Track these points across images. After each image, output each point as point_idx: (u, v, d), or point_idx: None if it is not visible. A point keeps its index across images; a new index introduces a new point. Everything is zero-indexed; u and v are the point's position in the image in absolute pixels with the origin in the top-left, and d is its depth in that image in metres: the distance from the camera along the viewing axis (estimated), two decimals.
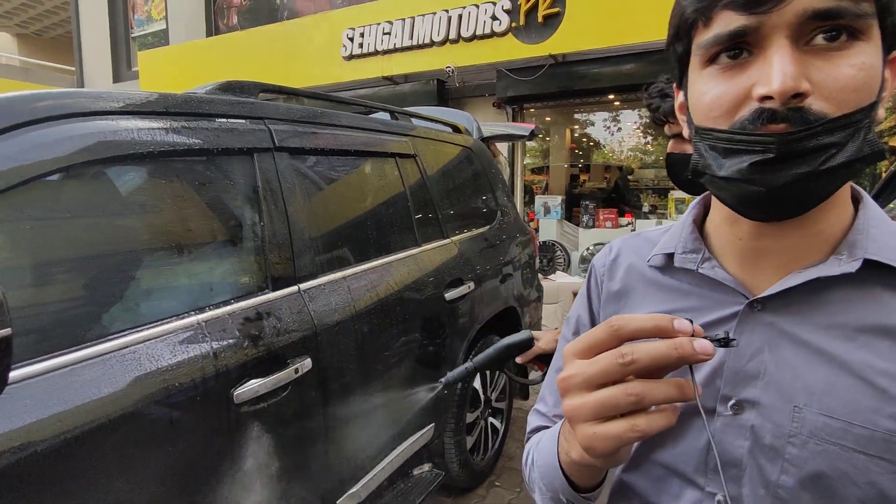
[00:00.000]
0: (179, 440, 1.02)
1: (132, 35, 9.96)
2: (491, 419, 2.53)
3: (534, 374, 1.47)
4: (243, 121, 1.39)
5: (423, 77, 6.58)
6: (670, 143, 1.22)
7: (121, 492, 0.92)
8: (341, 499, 1.49)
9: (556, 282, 4.89)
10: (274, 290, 1.33)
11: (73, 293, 1.05)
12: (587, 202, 6.71)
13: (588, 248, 6.31)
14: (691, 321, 0.39)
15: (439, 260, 2.08)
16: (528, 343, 1.23)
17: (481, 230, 2.55)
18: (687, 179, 0.88)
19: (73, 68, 10.49)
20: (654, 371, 0.39)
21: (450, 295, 2.01)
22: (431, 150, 2.33)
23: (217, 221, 1.30)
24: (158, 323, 1.07)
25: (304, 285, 1.41)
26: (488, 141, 3.46)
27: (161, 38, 9.43)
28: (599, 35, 5.34)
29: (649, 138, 10.10)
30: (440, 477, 2.01)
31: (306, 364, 1.30)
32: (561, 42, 5.53)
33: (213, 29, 8.90)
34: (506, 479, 2.50)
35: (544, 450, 0.58)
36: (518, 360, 1.24)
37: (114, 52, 9.95)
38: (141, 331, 1.03)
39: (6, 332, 0.65)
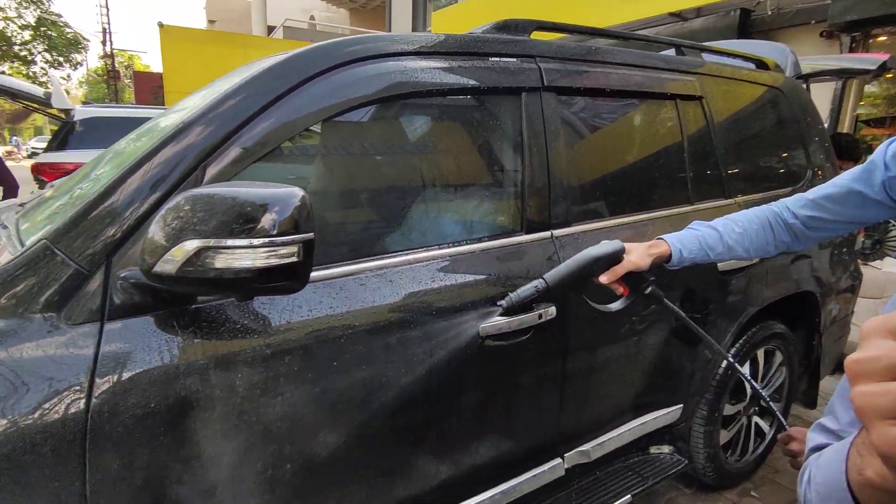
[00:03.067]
0: (430, 356, 1.12)
1: None
2: (756, 419, 2.12)
3: (614, 304, 1.15)
4: (514, 59, 1.37)
5: (720, 8, 5.57)
6: None
7: (376, 383, 1.07)
8: (570, 452, 1.46)
9: (883, 270, 3.71)
10: (527, 232, 1.33)
11: (365, 216, 1.23)
12: None
13: None
14: None
15: None
16: (618, 256, 1.04)
17: (780, 191, 2.05)
18: None
19: (385, 32, 12.56)
20: None
21: (724, 265, 1.70)
22: (723, 91, 1.94)
23: (482, 160, 1.35)
24: (425, 249, 1.17)
25: (557, 232, 1.37)
26: (807, 79, 2.72)
27: None
28: None
29: None
30: (681, 464, 1.80)
31: (551, 311, 1.27)
32: None
33: None
34: (766, 491, 2.10)
35: (827, 466, 0.44)
36: (602, 278, 1.05)
37: (414, 15, 11.42)
38: (411, 254, 1.15)
39: (310, 235, 0.79)
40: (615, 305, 1.14)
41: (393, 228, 1.24)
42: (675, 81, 1.76)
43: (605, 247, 1.04)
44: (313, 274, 0.92)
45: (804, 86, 2.45)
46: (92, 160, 1.51)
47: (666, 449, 1.84)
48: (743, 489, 2.11)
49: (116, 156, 1.31)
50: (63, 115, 5.10)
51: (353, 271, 1.07)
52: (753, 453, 2.13)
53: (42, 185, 4.51)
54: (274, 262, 0.77)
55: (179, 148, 0.94)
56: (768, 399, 1.04)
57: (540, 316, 1.25)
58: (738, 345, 1.86)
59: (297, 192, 0.79)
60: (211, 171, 0.95)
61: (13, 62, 21.78)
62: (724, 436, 1.96)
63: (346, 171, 1.23)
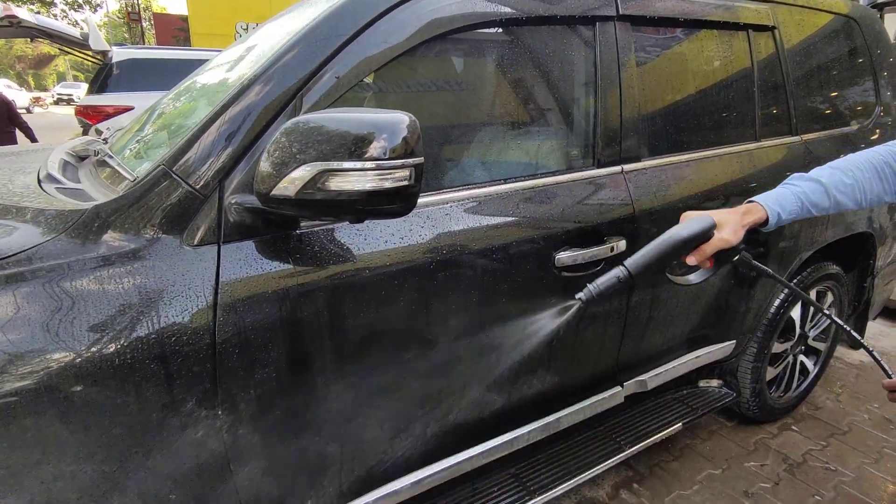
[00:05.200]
0: (511, 284, 1.17)
1: None
2: (802, 357, 2.15)
3: (693, 276, 1.05)
4: None
5: None
6: None
7: (460, 307, 1.13)
8: (629, 381, 1.53)
9: None
10: (598, 167, 1.33)
11: (446, 150, 1.25)
12: None
13: None
14: None
15: (780, 161, 1.73)
16: (708, 234, 0.91)
17: (846, 129, 1.99)
18: None
19: None
20: None
21: None
22: (796, 20, 1.84)
23: (557, 93, 1.33)
24: (502, 182, 1.20)
25: (627, 167, 1.37)
26: (882, 7, 2.55)
27: None
28: None
29: None
30: (729, 397, 1.86)
31: (621, 245, 1.30)
32: None
33: None
34: (805, 426, 2.16)
35: None
36: (690, 259, 0.93)
37: None
38: (489, 186, 1.17)
39: (420, 160, 0.82)
40: (694, 278, 1.04)
41: (472, 161, 1.26)
42: (748, 10, 1.68)
43: (693, 226, 0.91)
44: None
45: (878, 14, 2.30)
46: (171, 94, 1.54)
47: (715, 383, 1.90)
48: (783, 423, 2.18)
49: (202, 89, 1.33)
50: (100, 58, 5.10)
51: (438, 201, 1.10)
52: (797, 390, 2.18)
53: (87, 128, 4.59)
54: (387, 185, 0.80)
55: (277, 77, 0.96)
56: (871, 349, 0.94)
57: (612, 249, 1.28)
58: (793, 283, 1.87)
59: (406, 117, 0.81)
60: (307, 100, 0.97)
61: (33, 3, 21.59)
62: (770, 372, 2.00)
63: (427, 105, 1.23)
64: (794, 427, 2.17)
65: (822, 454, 2.01)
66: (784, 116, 1.79)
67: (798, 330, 2.04)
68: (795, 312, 1.96)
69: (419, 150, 0.81)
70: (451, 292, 1.09)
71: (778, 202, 0.95)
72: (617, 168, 1.35)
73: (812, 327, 2.11)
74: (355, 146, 0.79)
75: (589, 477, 1.47)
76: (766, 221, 0.95)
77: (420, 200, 1.07)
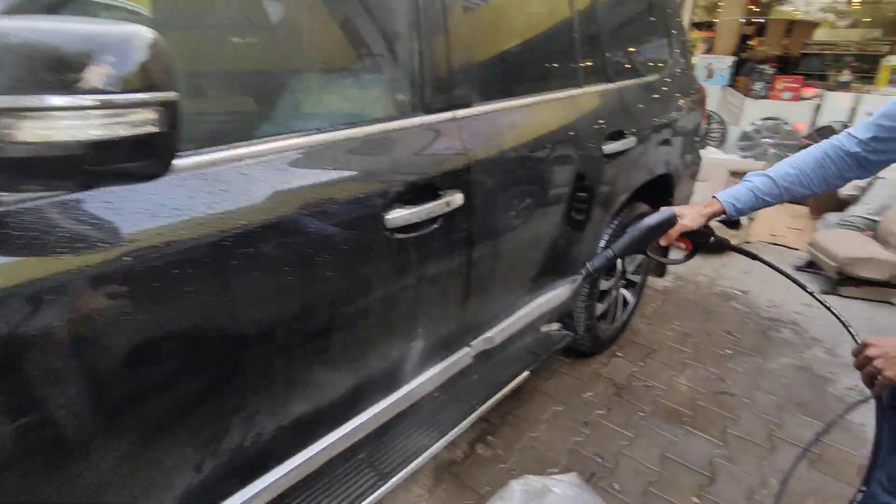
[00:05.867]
0: (332, 255, 0.98)
1: None
2: (624, 291, 2.37)
3: (675, 254, 1.31)
4: None
5: None
6: None
7: (276, 286, 0.92)
8: (476, 340, 1.47)
9: (708, 157, 4.26)
10: (427, 113, 1.18)
11: (238, 93, 0.98)
12: (762, 66, 5.55)
13: (753, 124, 5.36)
14: None
15: (600, 107, 1.78)
16: (671, 221, 1.15)
17: (649, 78, 2.14)
18: None
19: None
20: None
21: (609, 148, 1.74)
22: None
23: (378, 33, 1.14)
24: (312, 133, 0.98)
25: (458, 112, 1.25)
26: None
27: None
28: None
29: None
30: (567, 338, 1.96)
31: (458, 199, 1.19)
32: None
33: None
34: (628, 351, 2.42)
35: None
36: (662, 241, 1.17)
37: None
38: (296, 138, 0.95)
39: (171, 95, 0.57)
40: (677, 257, 1.26)
41: (280, 110, 1.01)
42: None
43: (657, 217, 1.14)
44: (176, 162, 0.69)
45: None
46: None
47: (555, 326, 1.98)
48: (611, 352, 2.40)
49: None
50: None
51: (231, 158, 0.85)
52: (620, 321, 2.41)
53: None
54: (123, 133, 0.54)
55: None
56: (839, 315, 1.04)
57: (448, 204, 1.16)
58: (612, 226, 2.00)
59: (145, 32, 0.55)
60: None
61: None
62: (599, 308, 2.16)
63: (229, 45, 0.94)
64: (618, 353, 2.40)
65: (641, 374, 2.26)
66: (601, 63, 1.84)
67: (619, 267, 2.22)
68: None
69: (167, 83, 0.57)
70: (258, 274, 0.87)
71: (733, 196, 1.14)
72: (448, 114, 1.22)
73: (629, 262, 2.32)
74: (61, 71, 0.51)
75: (443, 445, 1.40)
76: (724, 212, 1.14)
77: (204, 158, 0.81)
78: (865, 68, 5.96)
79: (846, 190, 3.84)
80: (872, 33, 7.49)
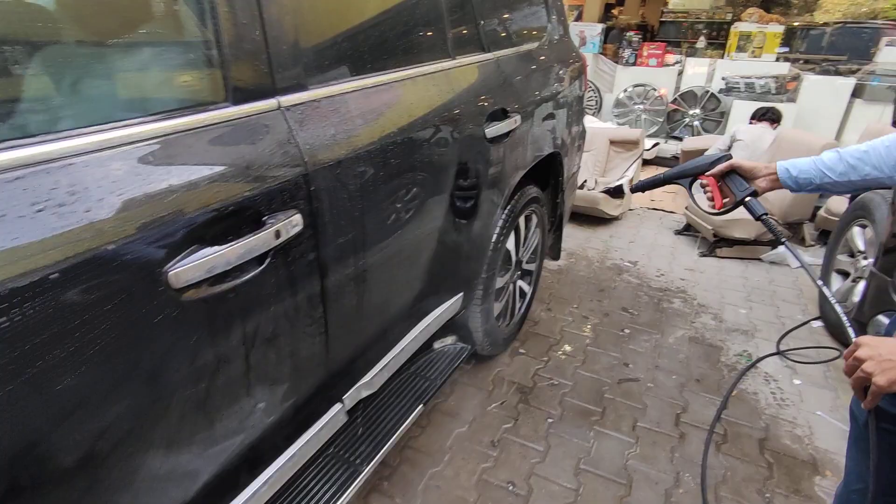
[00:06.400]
0: (64, 343, 0.60)
1: None
2: (520, 282, 2.18)
3: (703, 204, 1.26)
4: None
5: None
6: None
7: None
8: (350, 391, 1.16)
9: (588, 127, 4.26)
10: (236, 103, 0.81)
11: None
12: (630, 34, 5.70)
13: (626, 90, 5.50)
14: None
15: (478, 81, 1.51)
16: (727, 157, 1.15)
17: (528, 47, 1.91)
18: None
19: None
20: None
21: (492, 130, 1.48)
22: None
23: None
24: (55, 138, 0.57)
25: (285, 98, 0.89)
26: None
27: None
28: None
29: None
30: (465, 351, 1.72)
31: (294, 222, 0.84)
32: None
33: None
34: (531, 346, 2.25)
35: None
36: (708, 174, 1.17)
37: None
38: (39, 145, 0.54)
39: None
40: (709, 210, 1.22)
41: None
42: None
43: (716, 154, 1.18)
44: None
45: None
46: None
47: (449, 340, 1.73)
48: (513, 349, 2.22)
49: None
50: None
51: None
52: (519, 314, 2.23)
53: None
54: None
55: None
56: (843, 310, 0.90)
57: (277, 234, 0.81)
58: (504, 214, 1.76)
59: None
60: None
61: None
62: (497, 308, 1.94)
63: None
64: (521, 350, 2.23)
65: (545, 371, 2.10)
66: (475, 34, 1.56)
67: (514, 258, 2.01)
68: (510, 243, 1.90)
69: None
70: None
71: (792, 163, 1.07)
72: (270, 102, 0.86)
73: (525, 251, 2.13)
74: None
75: None
76: (777, 176, 1.08)
77: None
78: (716, 35, 6.40)
79: (710, 151, 4.04)
80: (719, 1, 8.11)
